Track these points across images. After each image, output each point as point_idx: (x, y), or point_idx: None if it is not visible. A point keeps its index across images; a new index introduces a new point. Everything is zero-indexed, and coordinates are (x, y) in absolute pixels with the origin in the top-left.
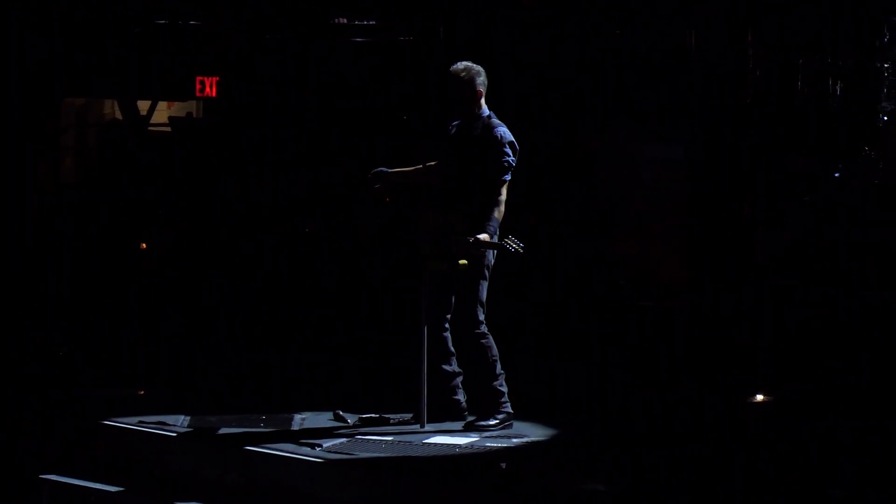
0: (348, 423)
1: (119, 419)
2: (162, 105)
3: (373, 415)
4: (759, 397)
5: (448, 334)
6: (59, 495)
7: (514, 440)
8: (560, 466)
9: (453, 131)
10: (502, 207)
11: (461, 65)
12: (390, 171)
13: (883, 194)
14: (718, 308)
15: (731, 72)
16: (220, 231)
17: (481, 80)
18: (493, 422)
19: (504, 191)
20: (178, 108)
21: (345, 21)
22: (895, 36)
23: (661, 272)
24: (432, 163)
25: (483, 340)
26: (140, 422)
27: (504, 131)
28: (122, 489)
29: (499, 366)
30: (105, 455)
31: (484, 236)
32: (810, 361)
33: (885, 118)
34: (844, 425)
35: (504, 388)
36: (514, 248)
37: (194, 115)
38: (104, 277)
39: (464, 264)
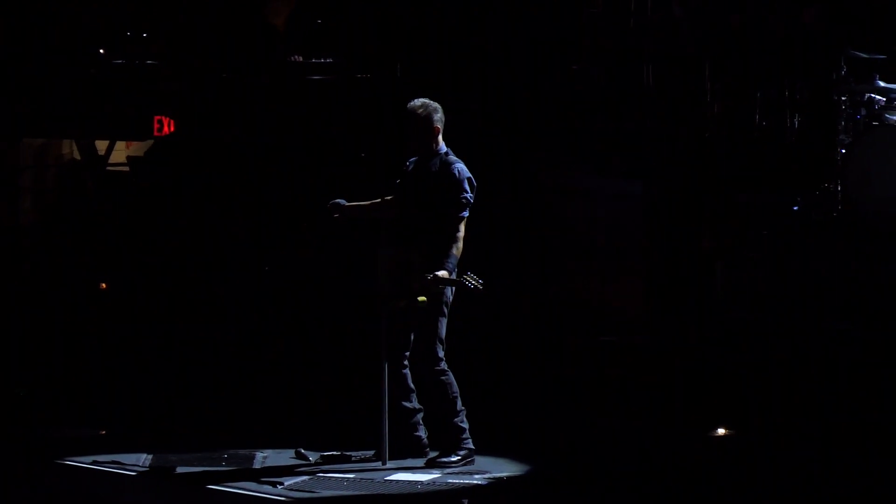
0: (310, 460)
1: (79, 459)
2: (120, 145)
3: (334, 452)
4: (721, 431)
5: (407, 371)
6: None
7: (476, 476)
8: (522, 503)
9: (410, 168)
10: (461, 244)
11: (418, 101)
12: (347, 204)
13: (841, 227)
14: (678, 342)
15: (689, 106)
16: (180, 269)
17: (438, 117)
18: (454, 458)
19: (462, 227)
20: (137, 148)
21: (301, 59)
22: (852, 69)
23: (621, 307)
24: (389, 198)
25: (443, 377)
26: (100, 461)
27: (461, 168)
28: None
29: (459, 402)
30: (65, 495)
31: (443, 273)
32: (771, 394)
33: (843, 151)
34: (806, 458)
35: (465, 425)
36: (473, 284)
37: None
38: (64, 317)
39: (423, 301)
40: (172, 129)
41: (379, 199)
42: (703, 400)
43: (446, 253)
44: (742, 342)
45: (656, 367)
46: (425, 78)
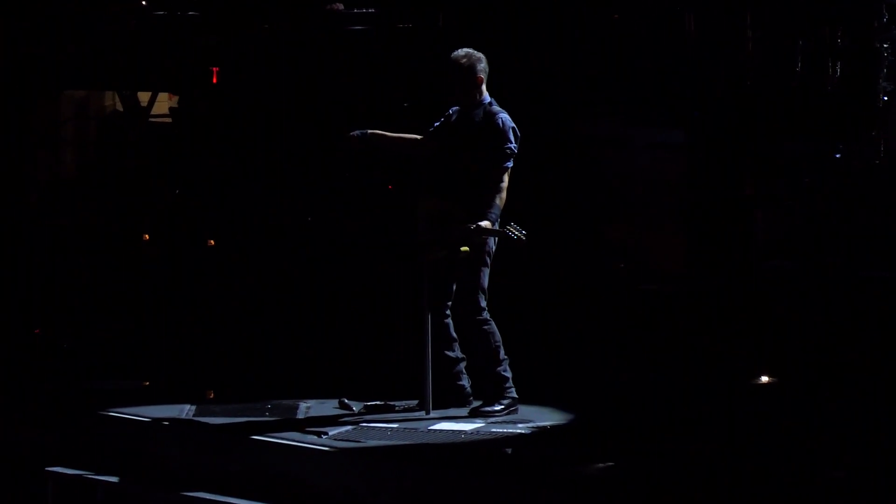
0: (353, 410)
1: (123, 410)
2: (163, 96)
3: (378, 402)
4: (763, 379)
5: (450, 321)
6: (64, 487)
7: (520, 425)
8: (566, 451)
9: (453, 117)
10: (504, 194)
11: (462, 51)
12: (370, 132)
13: (883, 175)
14: (719, 291)
15: (730, 55)
16: (222, 222)
17: (482, 67)
18: (497, 407)
19: (506, 177)
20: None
21: (342, 7)
22: (894, 16)
23: (662, 256)
24: (416, 136)
25: (485, 326)
26: (145, 413)
27: (505, 118)
28: (127, 480)
29: (502, 351)
30: (110, 447)
31: (486, 223)
32: (812, 343)
33: (885, 98)
34: (847, 407)
35: (508, 374)
36: (516, 235)
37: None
38: (107, 269)
39: (465, 251)
40: (214, 80)
41: (406, 135)
42: (744, 349)
43: (489, 203)
44: (782, 290)
45: (697, 315)
46: (467, 28)
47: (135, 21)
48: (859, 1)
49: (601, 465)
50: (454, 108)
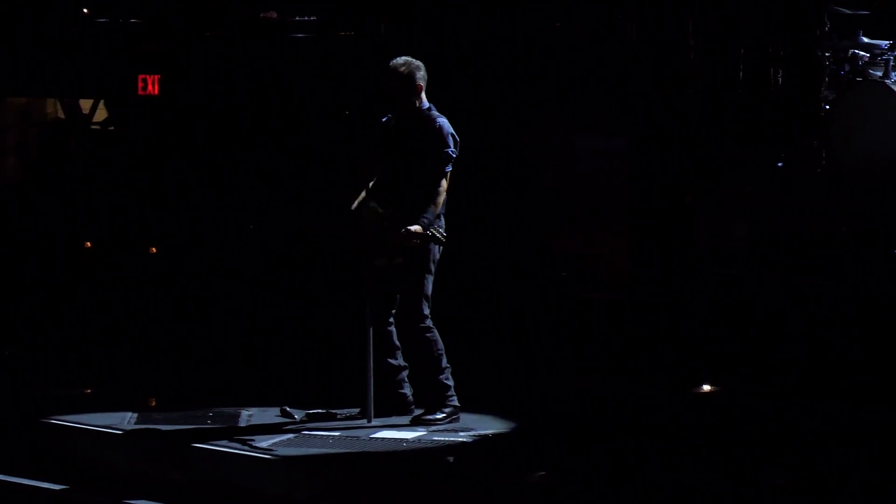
0: (295, 418)
1: (65, 417)
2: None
3: (319, 410)
4: (705, 387)
5: (392, 328)
6: (6, 496)
7: (461, 434)
8: (507, 459)
9: (392, 123)
10: (440, 199)
11: (401, 59)
12: (357, 201)
13: (824, 183)
14: (662, 298)
15: (673, 62)
16: (162, 228)
17: (421, 75)
18: (439, 416)
19: (444, 182)
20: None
21: (275, 16)
22: (836, 25)
23: (604, 264)
24: (370, 169)
25: (428, 334)
26: (86, 420)
27: (444, 123)
28: (69, 488)
29: (444, 359)
30: (53, 455)
31: (416, 228)
32: (754, 350)
33: (827, 107)
34: (788, 414)
35: (450, 382)
36: (440, 235)
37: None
38: (49, 276)
39: (400, 260)
40: (156, 87)
41: (371, 172)
42: (687, 356)
43: (424, 208)
44: (724, 298)
45: (639, 323)
46: (409, 36)
47: (77, 28)
48: (802, 10)
49: (542, 472)
50: (389, 116)
